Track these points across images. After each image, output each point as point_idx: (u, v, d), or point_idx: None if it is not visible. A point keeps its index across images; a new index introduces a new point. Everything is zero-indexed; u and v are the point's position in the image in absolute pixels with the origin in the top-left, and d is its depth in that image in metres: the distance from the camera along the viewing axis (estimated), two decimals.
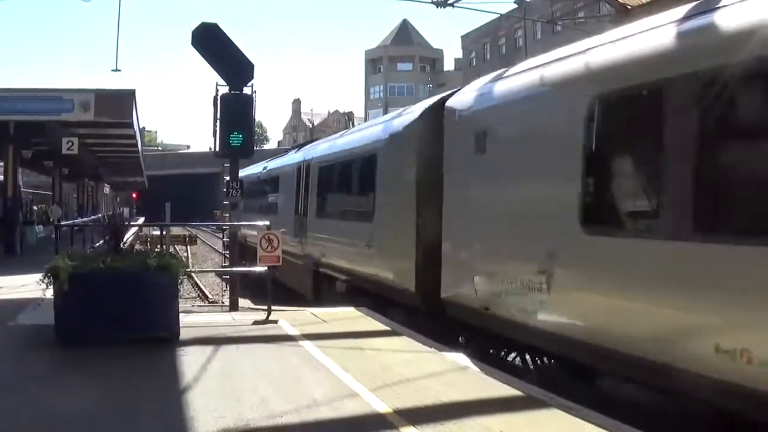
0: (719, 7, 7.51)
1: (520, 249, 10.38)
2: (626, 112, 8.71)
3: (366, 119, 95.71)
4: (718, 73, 7.09)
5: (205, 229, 64.77)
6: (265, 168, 32.21)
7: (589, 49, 9.55)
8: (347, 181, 19.14)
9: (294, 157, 26.26)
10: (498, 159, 11.17)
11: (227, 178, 17.17)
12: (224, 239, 29.34)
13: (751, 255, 6.65)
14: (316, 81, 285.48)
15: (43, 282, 10.79)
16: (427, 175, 13.49)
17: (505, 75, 11.88)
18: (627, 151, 9.01)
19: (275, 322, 13.38)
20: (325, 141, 24.26)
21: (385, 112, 68.76)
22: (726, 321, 6.90)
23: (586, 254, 8.90)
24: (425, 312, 13.47)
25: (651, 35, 8.37)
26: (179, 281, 11.52)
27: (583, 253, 8.96)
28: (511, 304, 10.35)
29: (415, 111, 15.18)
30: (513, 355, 12.08)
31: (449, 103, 13.15)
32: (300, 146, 29.77)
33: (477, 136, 11.68)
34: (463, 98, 12.90)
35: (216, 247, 48.13)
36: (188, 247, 50.52)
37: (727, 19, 7.28)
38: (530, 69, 10.95)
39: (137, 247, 15.85)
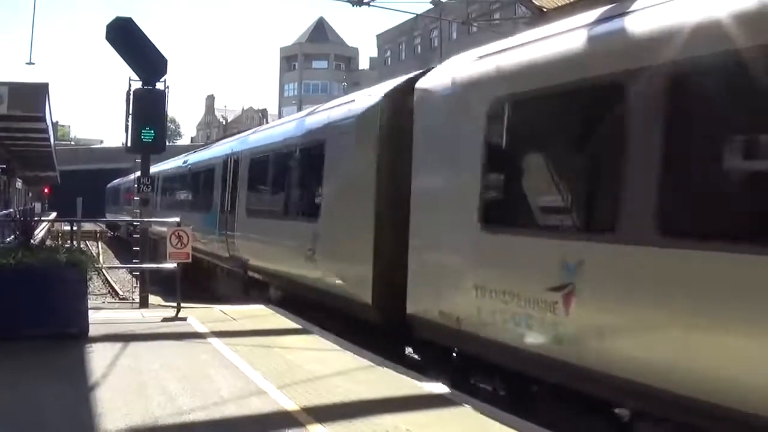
0: None
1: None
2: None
3: (280, 116, 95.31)
4: None
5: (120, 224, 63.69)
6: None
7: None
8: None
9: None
10: (172, 189, 33.94)
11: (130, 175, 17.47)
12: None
13: None
14: (230, 77, 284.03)
15: None
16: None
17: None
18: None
19: (184, 319, 13.43)
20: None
21: (299, 109, 68.71)
22: None
23: (244, 221, 19.59)
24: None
25: None
26: (89, 277, 11.53)
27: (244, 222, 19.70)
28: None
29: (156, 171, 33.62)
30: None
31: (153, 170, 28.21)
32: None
33: (165, 182, 34.62)
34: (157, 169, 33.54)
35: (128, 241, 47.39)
36: (99, 242, 49.74)
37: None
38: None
39: (48, 242, 15.67)
